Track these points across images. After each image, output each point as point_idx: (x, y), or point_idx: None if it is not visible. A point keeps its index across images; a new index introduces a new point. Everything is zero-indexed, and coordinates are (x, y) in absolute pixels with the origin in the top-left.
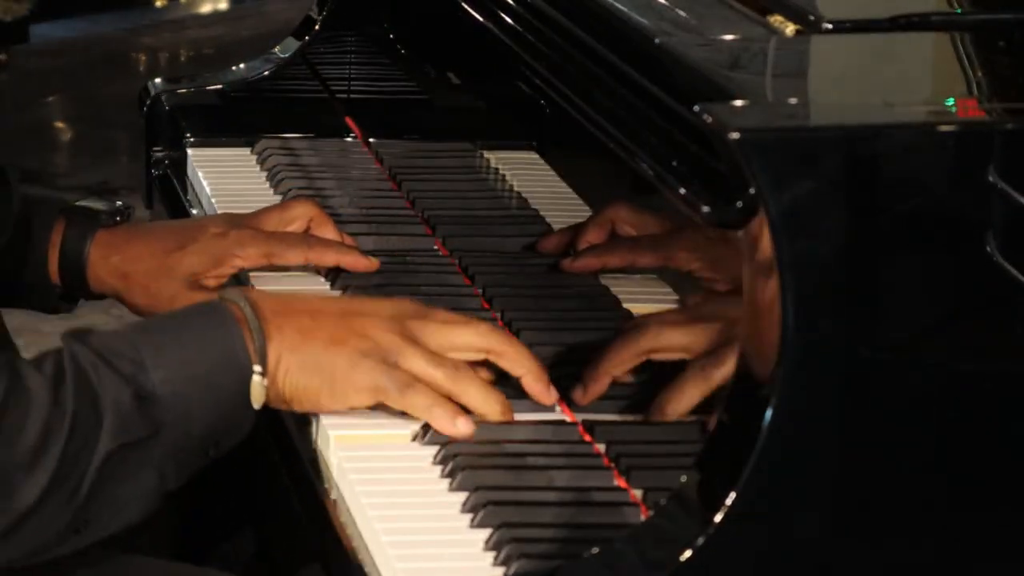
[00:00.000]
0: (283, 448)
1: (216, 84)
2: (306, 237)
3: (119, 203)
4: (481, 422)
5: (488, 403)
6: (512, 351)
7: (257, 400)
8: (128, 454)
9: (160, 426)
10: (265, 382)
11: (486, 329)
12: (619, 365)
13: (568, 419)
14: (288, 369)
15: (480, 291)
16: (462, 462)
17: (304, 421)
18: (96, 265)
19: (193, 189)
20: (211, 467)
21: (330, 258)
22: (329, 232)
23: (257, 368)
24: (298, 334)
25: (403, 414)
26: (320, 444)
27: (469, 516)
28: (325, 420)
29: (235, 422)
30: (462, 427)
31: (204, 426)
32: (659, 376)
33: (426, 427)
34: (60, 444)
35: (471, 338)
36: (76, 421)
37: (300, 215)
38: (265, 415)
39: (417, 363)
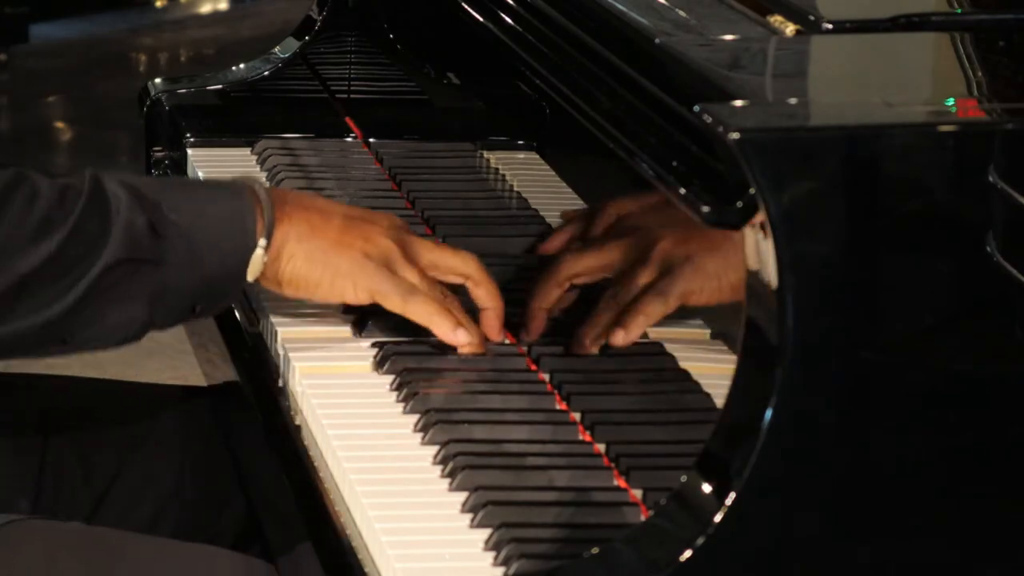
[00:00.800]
0: (281, 445)
1: (216, 84)
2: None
3: None
4: (481, 422)
5: (457, 326)
6: (489, 284)
7: (253, 272)
8: (129, 272)
9: (163, 259)
10: (266, 258)
11: (472, 259)
12: (546, 297)
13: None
14: (293, 255)
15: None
16: (462, 462)
17: (291, 401)
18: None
19: None
20: (202, 447)
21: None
22: (485, 296)
23: (262, 242)
24: (307, 226)
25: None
26: (320, 440)
27: (469, 516)
28: (321, 411)
29: (226, 286)
30: (461, 336)
31: (199, 278)
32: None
33: (427, 424)
34: (61, 234)
35: (458, 262)
36: (80, 222)
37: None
38: (258, 394)
39: (411, 275)
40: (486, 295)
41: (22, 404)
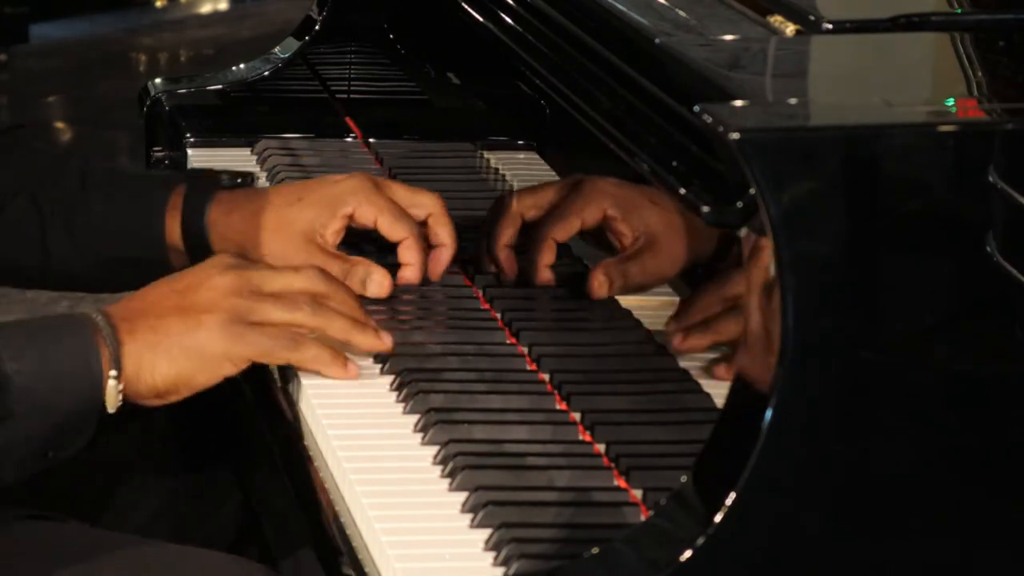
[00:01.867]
0: (280, 445)
1: (216, 84)
2: (416, 226)
3: (245, 171)
4: (481, 422)
5: (352, 329)
6: (341, 294)
7: (113, 402)
8: None
9: (9, 415)
10: (121, 386)
11: (314, 273)
12: (503, 235)
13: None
14: (154, 365)
15: (480, 291)
16: (462, 462)
17: (292, 402)
18: (218, 224)
19: None
20: (201, 442)
21: (413, 258)
22: (444, 234)
23: (112, 372)
24: (150, 331)
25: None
26: (320, 440)
27: (469, 516)
28: (320, 411)
29: (81, 426)
30: (352, 370)
31: (50, 426)
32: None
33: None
34: None
35: (304, 283)
36: None
37: (425, 205)
38: (259, 395)
39: (276, 312)
40: (341, 307)
41: None
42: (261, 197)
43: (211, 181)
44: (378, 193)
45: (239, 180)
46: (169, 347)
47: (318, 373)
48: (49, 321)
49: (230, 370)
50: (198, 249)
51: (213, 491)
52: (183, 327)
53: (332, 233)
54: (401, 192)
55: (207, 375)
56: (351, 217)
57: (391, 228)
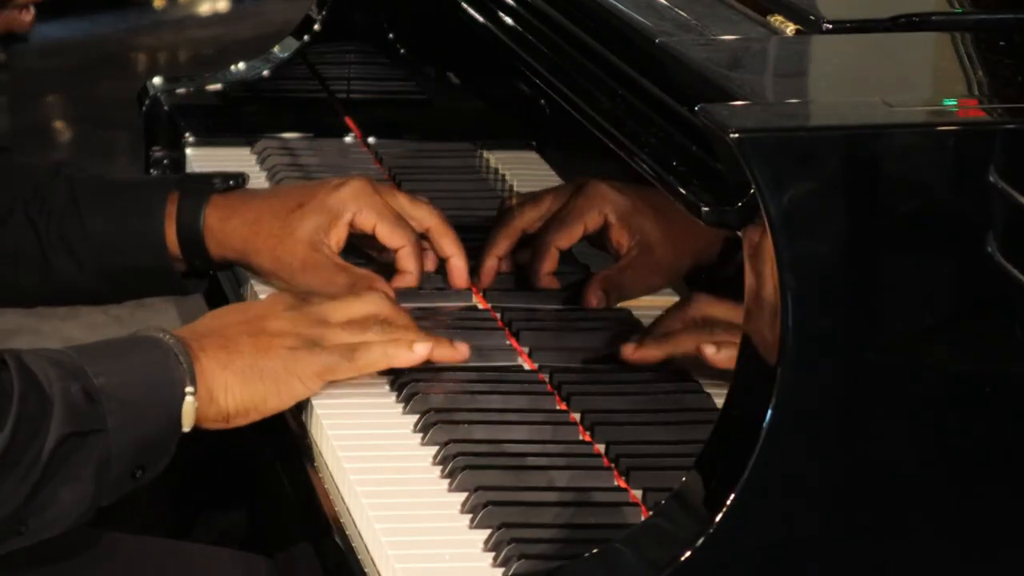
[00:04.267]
0: (280, 445)
1: (216, 84)
2: (414, 234)
3: (237, 172)
4: (481, 422)
5: (428, 341)
6: (403, 317)
7: (188, 420)
8: (76, 446)
9: (104, 426)
10: (197, 403)
11: (373, 297)
12: (499, 247)
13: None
14: (228, 385)
15: (480, 292)
16: (462, 462)
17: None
18: (214, 229)
19: None
20: (204, 446)
21: (411, 265)
22: (448, 245)
23: (189, 389)
24: (223, 351)
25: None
26: (320, 440)
27: (469, 516)
28: (321, 412)
29: (163, 445)
30: (420, 350)
31: (138, 440)
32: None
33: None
34: (7, 427)
35: (368, 308)
36: (21, 407)
37: (423, 217)
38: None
39: (344, 336)
40: (404, 331)
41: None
42: (259, 202)
43: (204, 185)
44: (378, 199)
45: (231, 182)
46: (242, 368)
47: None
48: (125, 340)
49: (301, 391)
50: (195, 255)
51: (214, 493)
52: (255, 349)
53: (335, 241)
54: (400, 199)
55: (278, 398)
56: (352, 224)
57: (390, 235)
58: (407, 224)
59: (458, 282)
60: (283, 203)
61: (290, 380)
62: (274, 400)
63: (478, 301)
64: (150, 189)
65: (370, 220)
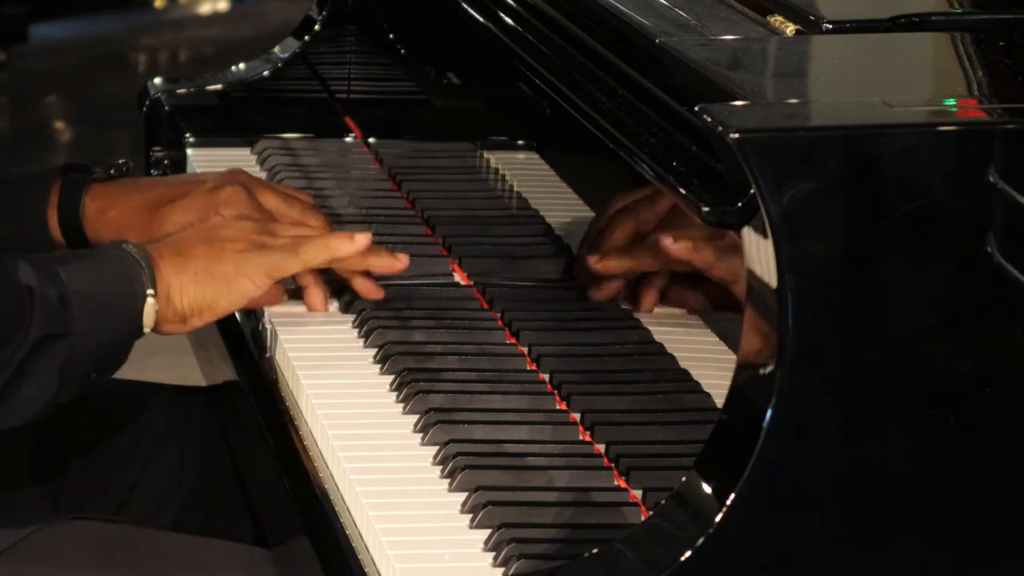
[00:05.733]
0: (280, 445)
1: (216, 84)
2: (295, 229)
3: (121, 160)
4: (481, 422)
5: (371, 254)
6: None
7: (149, 322)
8: (49, 346)
9: (73, 330)
10: (157, 305)
11: (322, 216)
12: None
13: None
14: (183, 287)
15: (480, 291)
16: (462, 462)
17: (292, 402)
18: (93, 220)
19: None
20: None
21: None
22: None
23: (150, 291)
24: (179, 256)
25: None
26: (320, 440)
27: (469, 516)
28: (320, 412)
29: (122, 345)
30: (360, 240)
31: (99, 343)
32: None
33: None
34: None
35: (316, 221)
36: (6, 304)
37: (296, 217)
38: (259, 395)
39: (286, 228)
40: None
41: None
42: (136, 194)
43: (84, 175)
44: (251, 204)
45: (112, 171)
46: (196, 270)
47: (333, 259)
48: (94, 250)
49: (251, 289)
50: (77, 243)
51: (214, 493)
52: (208, 253)
53: None
54: (272, 200)
55: (229, 296)
56: None
57: None
58: (281, 224)
59: (315, 304)
60: (157, 197)
61: (240, 280)
62: (225, 299)
63: (480, 301)
64: (36, 178)
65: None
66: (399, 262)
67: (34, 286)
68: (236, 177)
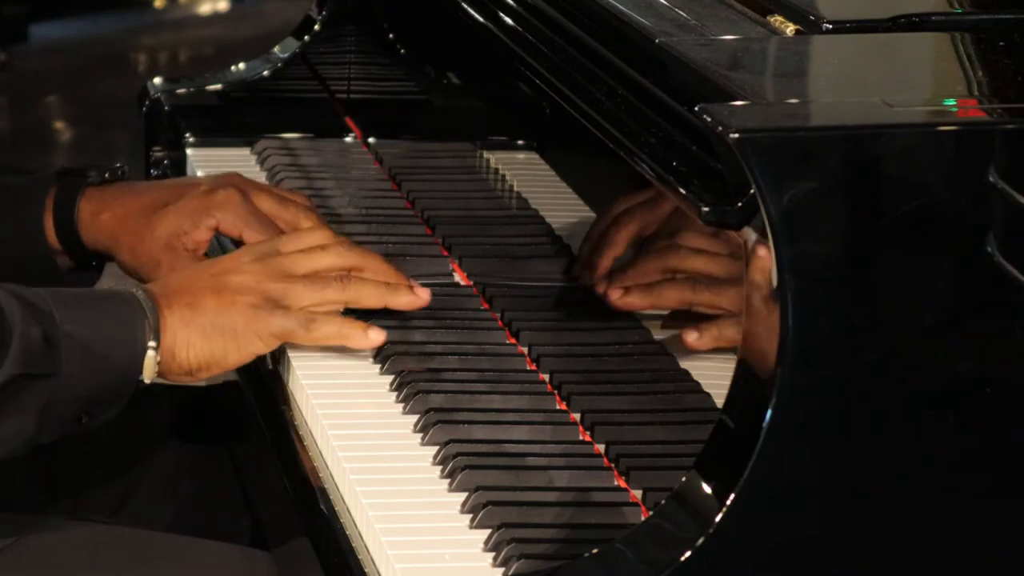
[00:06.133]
0: (280, 446)
1: (216, 84)
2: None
3: (117, 164)
4: (481, 422)
5: (386, 294)
6: (372, 263)
7: (149, 373)
8: (24, 387)
9: (57, 371)
10: (158, 358)
11: (343, 248)
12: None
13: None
14: (189, 341)
15: (480, 291)
16: (462, 462)
17: (292, 403)
18: (87, 223)
19: None
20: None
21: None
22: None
23: (151, 343)
24: (187, 308)
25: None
26: (320, 440)
27: (469, 516)
28: (320, 412)
29: (118, 393)
30: (374, 337)
31: (90, 388)
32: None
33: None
34: None
35: (333, 260)
36: None
37: (291, 220)
38: (259, 395)
39: (306, 295)
40: (376, 275)
41: None
42: (129, 198)
43: (79, 179)
44: (244, 207)
45: (107, 175)
46: (203, 325)
47: (346, 347)
48: (99, 292)
49: (260, 348)
50: (73, 247)
51: (214, 493)
52: (217, 306)
53: (194, 244)
54: (267, 203)
55: (238, 354)
56: (216, 229)
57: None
58: (276, 228)
59: (415, 303)
60: (152, 200)
61: (249, 337)
62: (234, 355)
63: (480, 301)
64: (33, 183)
65: (236, 227)
66: (419, 299)
67: (16, 322)
68: (231, 180)
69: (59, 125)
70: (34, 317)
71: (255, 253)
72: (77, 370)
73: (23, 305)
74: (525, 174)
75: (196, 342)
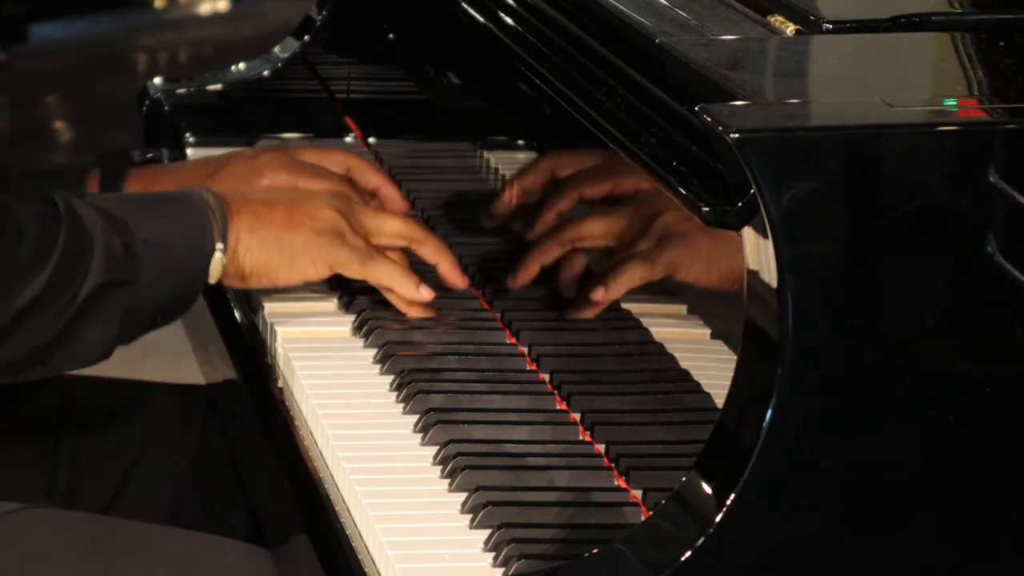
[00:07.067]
0: (280, 445)
1: (216, 84)
2: (336, 179)
3: (150, 155)
4: (481, 422)
5: (430, 292)
6: (432, 240)
7: (215, 275)
8: (109, 294)
9: (137, 279)
10: (224, 260)
11: (410, 220)
12: (548, 253)
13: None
14: (249, 247)
15: (479, 291)
16: (462, 462)
17: (292, 402)
18: None
19: None
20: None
21: (370, 182)
22: (370, 176)
23: (219, 245)
24: (255, 217)
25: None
26: (320, 440)
27: (469, 516)
28: (320, 411)
29: (188, 295)
30: (424, 292)
31: (164, 292)
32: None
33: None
34: (51, 265)
35: (399, 226)
36: (65, 251)
37: (335, 163)
38: (259, 395)
39: (363, 242)
40: (432, 252)
41: (36, 401)
42: (177, 172)
43: (123, 158)
44: (290, 159)
45: (150, 155)
46: (266, 236)
47: (390, 291)
48: (171, 195)
49: (311, 272)
50: None
51: (213, 493)
52: (286, 222)
53: None
54: (311, 154)
55: (288, 272)
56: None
57: (313, 186)
58: (328, 175)
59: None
60: (200, 170)
61: (303, 259)
62: (285, 272)
63: (480, 301)
64: (71, 170)
65: (287, 180)
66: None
67: (97, 234)
68: (272, 144)
69: (59, 125)
70: (114, 227)
71: (333, 192)
72: (154, 276)
73: (103, 216)
74: None
75: (254, 249)
